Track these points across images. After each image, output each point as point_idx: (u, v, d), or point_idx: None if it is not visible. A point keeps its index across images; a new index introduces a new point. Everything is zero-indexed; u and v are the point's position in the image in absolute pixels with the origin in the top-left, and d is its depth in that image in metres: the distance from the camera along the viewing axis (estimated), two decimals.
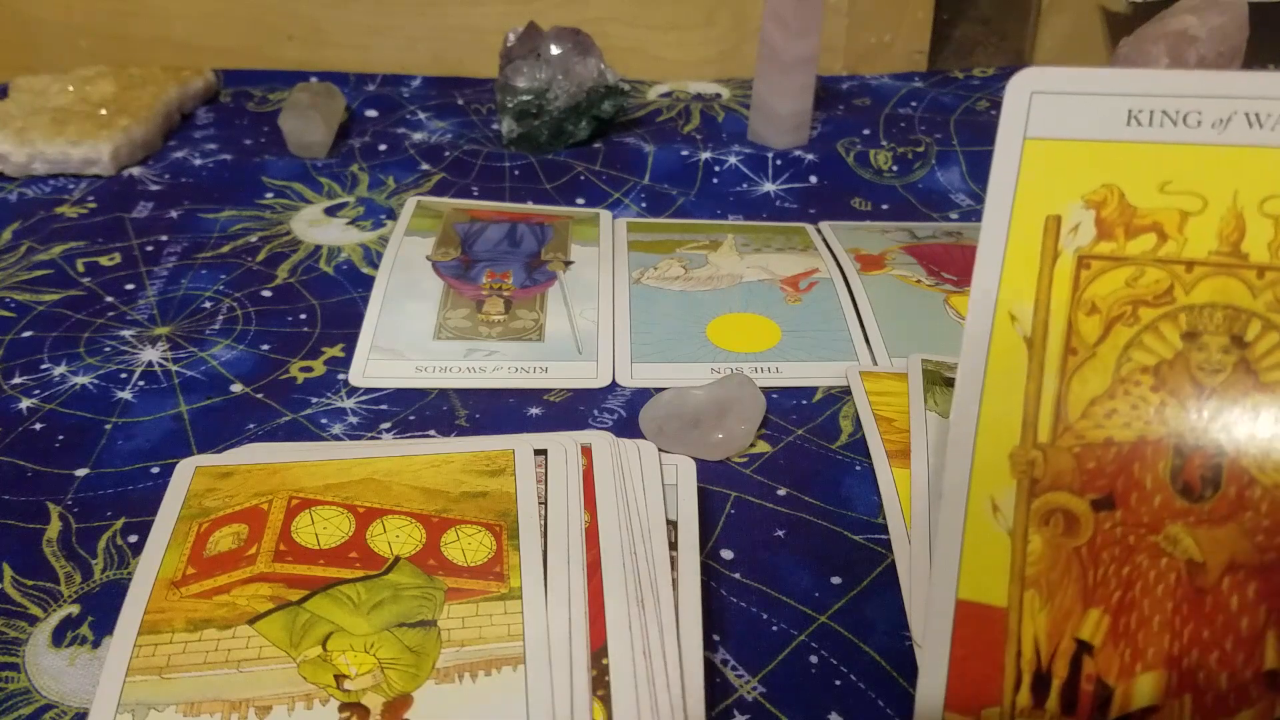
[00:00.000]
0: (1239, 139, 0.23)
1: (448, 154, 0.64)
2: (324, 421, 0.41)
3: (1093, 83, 0.24)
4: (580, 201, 0.60)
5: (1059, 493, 0.23)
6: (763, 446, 0.40)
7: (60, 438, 0.40)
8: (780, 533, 0.36)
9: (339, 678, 0.29)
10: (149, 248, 0.54)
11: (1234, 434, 0.22)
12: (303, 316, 0.49)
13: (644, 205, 0.60)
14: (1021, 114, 0.24)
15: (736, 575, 0.34)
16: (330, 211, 0.58)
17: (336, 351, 0.46)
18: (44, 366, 0.45)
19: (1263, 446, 0.22)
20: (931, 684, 0.22)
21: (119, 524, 0.36)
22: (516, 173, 0.62)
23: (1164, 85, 0.23)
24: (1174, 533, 0.22)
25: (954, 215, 0.60)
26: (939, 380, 0.42)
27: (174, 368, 0.45)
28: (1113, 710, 0.22)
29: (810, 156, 0.63)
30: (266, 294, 0.50)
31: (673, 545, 0.33)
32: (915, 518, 0.34)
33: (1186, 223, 0.23)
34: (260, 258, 0.53)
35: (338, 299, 0.50)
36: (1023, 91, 0.24)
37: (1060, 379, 0.23)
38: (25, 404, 0.42)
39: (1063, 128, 0.24)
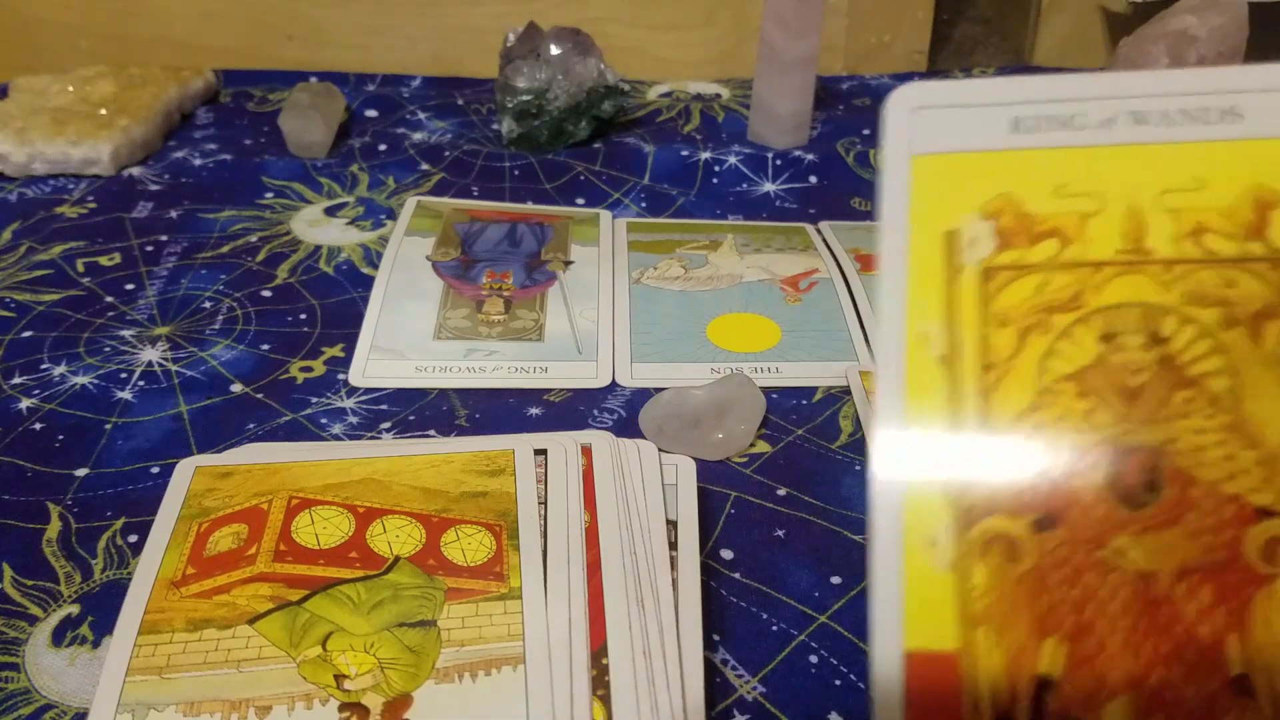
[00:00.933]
0: (1127, 137, 0.23)
1: (448, 154, 0.64)
2: (324, 421, 0.41)
3: (974, 93, 0.23)
4: (580, 201, 0.60)
5: (996, 518, 0.21)
6: (763, 446, 0.40)
7: (60, 438, 0.40)
8: (780, 532, 0.36)
9: (339, 678, 0.29)
10: (149, 248, 0.54)
11: (1167, 433, 0.21)
12: (303, 316, 0.49)
13: (644, 205, 0.60)
14: (905, 131, 0.23)
15: (736, 575, 0.34)
16: (330, 211, 0.58)
17: (336, 351, 0.46)
18: (44, 366, 0.45)
19: (1196, 443, 0.21)
20: None
21: (119, 524, 0.36)
22: (516, 173, 0.62)
23: (1046, 90, 0.23)
24: (1120, 545, 0.21)
25: None
26: None
27: (174, 368, 0.45)
28: None
29: (810, 156, 0.63)
30: (266, 294, 0.50)
31: (673, 545, 0.33)
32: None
33: (1087, 224, 0.23)
34: (260, 258, 0.53)
35: (337, 299, 0.50)
36: (904, 108, 0.24)
37: (981, 397, 0.22)
38: (25, 404, 0.42)
39: (949, 141, 0.23)
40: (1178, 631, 0.20)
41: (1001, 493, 0.21)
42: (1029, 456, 0.22)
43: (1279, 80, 0.23)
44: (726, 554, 0.35)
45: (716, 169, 0.63)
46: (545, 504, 0.34)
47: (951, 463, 0.22)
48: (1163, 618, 0.21)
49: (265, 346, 0.46)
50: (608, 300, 0.49)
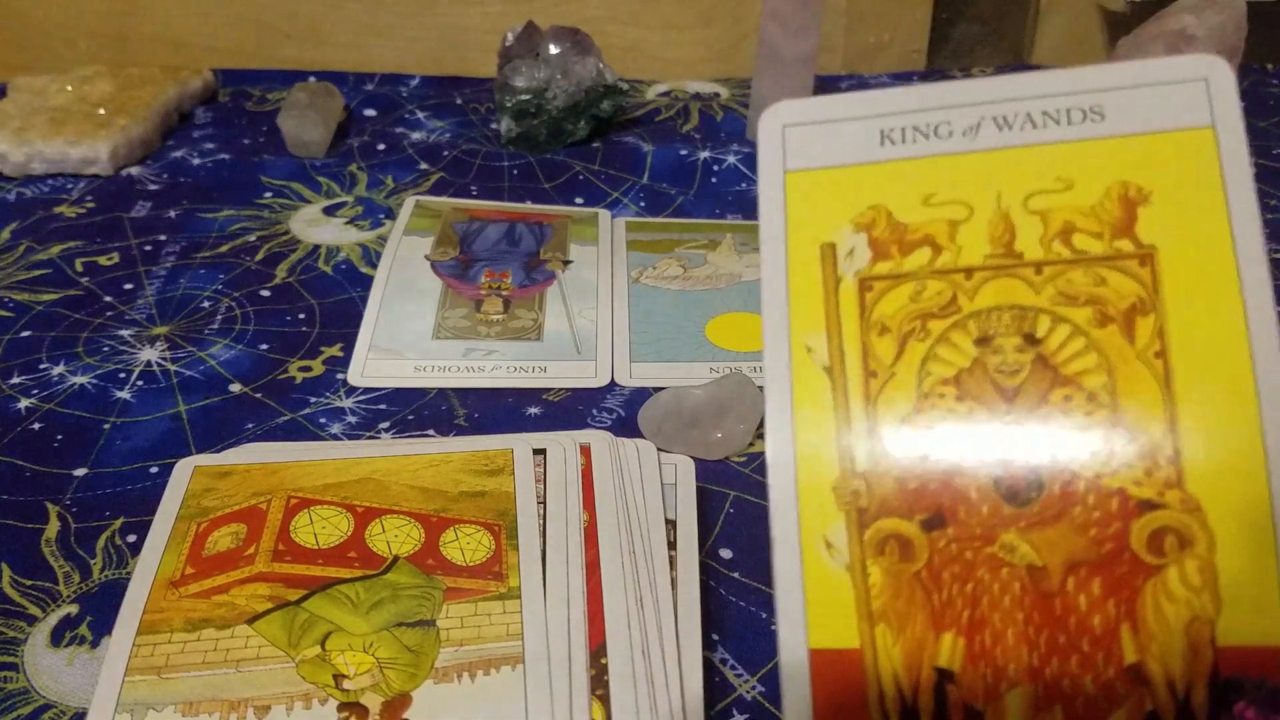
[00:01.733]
0: (991, 143, 0.23)
1: (446, 153, 0.64)
2: (323, 421, 0.41)
3: (841, 109, 0.24)
4: (579, 201, 0.60)
5: (888, 519, 0.22)
6: (761, 446, 0.40)
7: (59, 438, 0.40)
8: None
9: (338, 677, 0.29)
10: (147, 247, 0.54)
11: (1047, 431, 0.22)
12: (301, 316, 0.49)
13: (643, 204, 0.60)
14: (778, 148, 0.24)
15: (736, 574, 0.34)
16: (329, 211, 0.58)
17: (335, 351, 0.46)
18: (42, 366, 0.44)
19: (1076, 439, 0.22)
20: None
21: (117, 524, 0.36)
22: (515, 172, 0.62)
23: (910, 101, 0.24)
24: (1009, 540, 0.22)
25: None
26: None
27: (172, 367, 0.45)
28: None
29: None
30: (265, 293, 0.50)
31: (672, 545, 0.33)
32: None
33: (957, 231, 0.23)
34: (259, 257, 0.53)
35: (336, 298, 0.50)
36: (775, 125, 0.25)
37: (866, 403, 0.23)
38: (24, 404, 0.42)
39: (820, 157, 0.24)
40: (1071, 623, 0.21)
41: (891, 495, 0.22)
42: (915, 459, 0.22)
43: (1139, 78, 0.23)
44: (726, 553, 0.35)
45: (715, 168, 0.63)
46: (544, 504, 0.34)
47: (841, 469, 0.22)
48: (1055, 610, 0.21)
49: (264, 346, 0.46)
50: (606, 300, 0.49)
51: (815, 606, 0.22)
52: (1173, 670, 0.21)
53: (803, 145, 0.24)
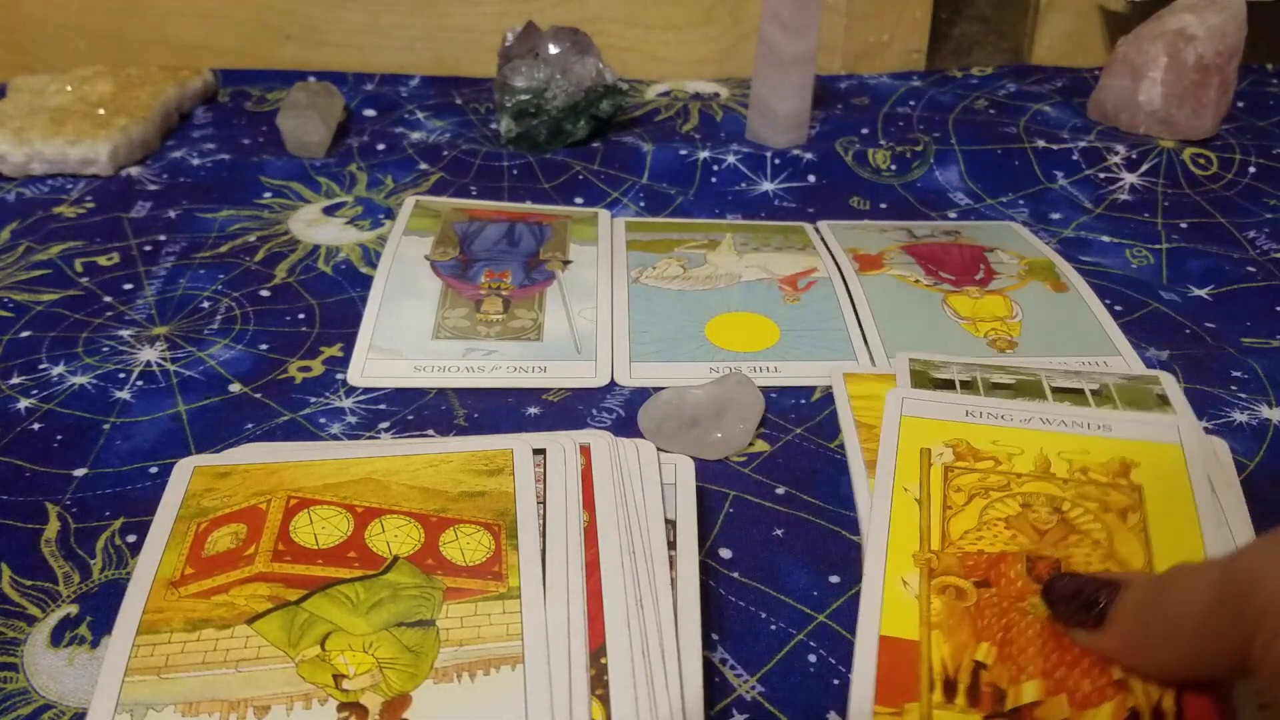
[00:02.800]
0: (1038, 427, 0.38)
1: (446, 153, 0.64)
2: (322, 421, 0.41)
3: (941, 400, 0.40)
4: (579, 201, 0.60)
5: (950, 576, 0.33)
6: (761, 445, 0.40)
7: (59, 438, 0.40)
8: (779, 532, 0.36)
9: (337, 677, 0.29)
10: (147, 247, 0.54)
11: (1064, 554, 0.33)
12: (301, 316, 0.49)
13: (642, 204, 0.60)
14: (897, 408, 0.39)
15: (735, 574, 0.34)
16: (329, 211, 0.58)
17: (335, 351, 0.46)
18: (42, 366, 0.44)
19: (1084, 562, 0.33)
20: (862, 688, 0.30)
21: (117, 524, 0.36)
22: (515, 172, 0.62)
23: (986, 405, 0.40)
24: (1034, 602, 0.31)
25: (952, 214, 0.60)
26: (926, 382, 0.42)
27: (172, 367, 0.45)
28: (1007, 703, 0.29)
29: (808, 156, 0.63)
30: (265, 294, 0.50)
31: (671, 544, 0.33)
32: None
33: (1012, 459, 0.37)
34: (258, 257, 0.53)
35: (336, 298, 0.50)
36: (896, 400, 0.40)
37: (943, 521, 0.35)
38: (24, 404, 0.42)
39: (927, 414, 0.39)
40: (1075, 651, 0.30)
41: (954, 565, 0.33)
42: (973, 551, 0.34)
43: (1136, 416, 0.40)
44: (725, 553, 0.35)
45: (715, 168, 0.63)
46: (544, 503, 0.34)
47: (920, 544, 0.34)
48: (1064, 643, 0.30)
49: (264, 346, 0.46)
50: (606, 300, 0.49)
51: (890, 611, 0.31)
52: (1150, 685, 0.29)
53: (915, 410, 0.39)
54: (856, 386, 0.43)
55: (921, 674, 0.30)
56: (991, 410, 0.39)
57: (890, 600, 0.32)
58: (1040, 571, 0.32)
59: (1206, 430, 0.40)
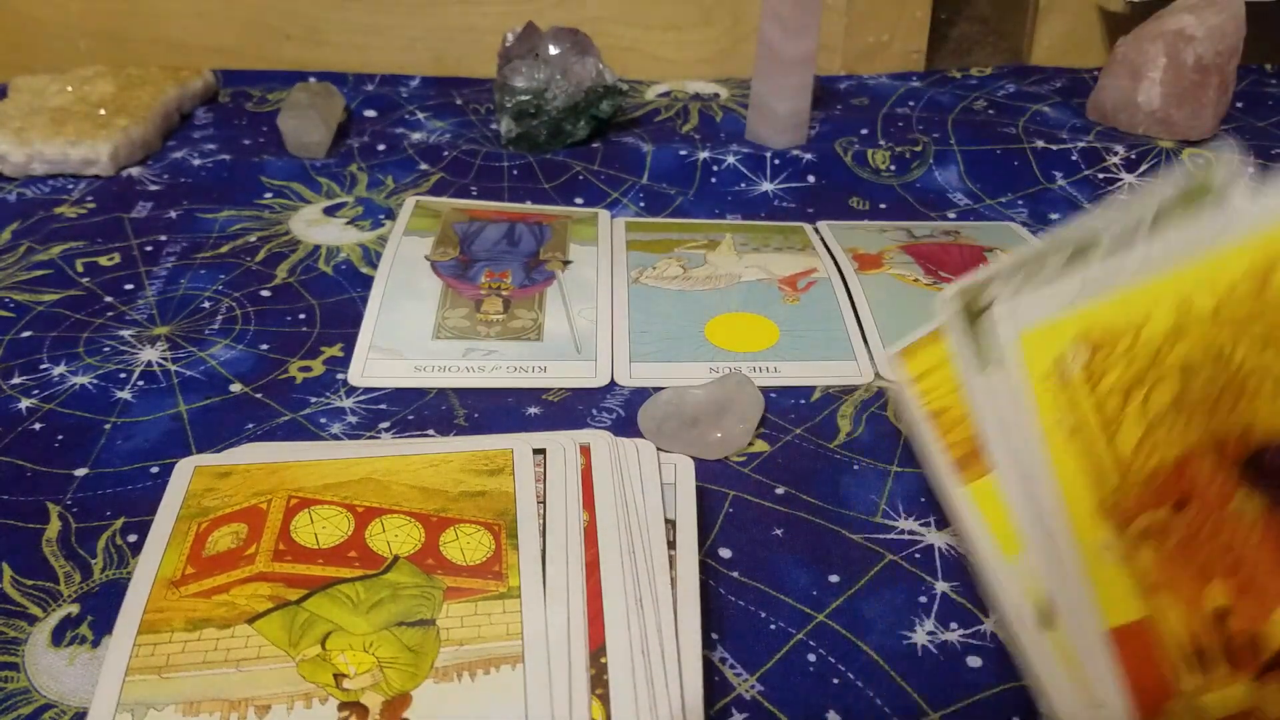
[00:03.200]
0: (1152, 272, 0.28)
1: (446, 154, 0.64)
2: (323, 421, 0.42)
3: (1044, 294, 0.30)
4: (579, 201, 0.60)
5: (1144, 514, 0.26)
6: (761, 446, 0.40)
7: (60, 438, 0.40)
8: (778, 531, 0.36)
9: (338, 677, 0.29)
10: (148, 248, 0.54)
11: (1247, 413, 0.25)
12: (302, 316, 0.49)
13: (642, 205, 0.60)
14: (1013, 326, 0.30)
15: (735, 574, 0.35)
16: (329, 211, 0.58)
17: (335, 351, 0.46)
18: (43, 366, 0.45)
19: (1271, 410, 0.25)
20: (1114, 711, 0.25)
21: (118, 524, 0.36)
22: (515, 172, 0.62)
23: (1089, 274, 0.29)
24: (1241, 498, 0.25)
25: (951, 214, 0.60)
26: (974, 313, 0.33)
27: (173, 367, 0.45)
28: (1268, 648, 0.24)
29: (808, 156, 0.63)
30: (265, 294, 0.50)
31: (671, 544, 0.33)
32: (1028, 540, 0.29)
33: (1150, 319, 0.28)
34: (259, 258, 0.53)
35: (336, 299, 0.50)
36: (1007, 314, 0.30)
37: (1109, 444, 0.27)
38: (25, 404, 0.42)
39: (1037, 318, 0.30)
40: None
41: (1145, 494, 0.26)
42: (1151, 468, 0.26)
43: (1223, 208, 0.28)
44: (725, 553, 0.35)
45: (715, 168, 0.63)
46: (544, 503, 0.34)
47: (1101, 489, 0.27)
48: None
49: (264, 346, 0.46)
50: (606, 300, 0.49)
51: (1105, 595, 0.26)
52: None
53: (1029, 314, 0.30)
54: (919, 361, 0.36)
55: (1169, 656, 0.24)
56: (1097, 278, 0.29)
57: (1099, 577, 0.26)
58: (1233, 453, 0.25)
59: None
